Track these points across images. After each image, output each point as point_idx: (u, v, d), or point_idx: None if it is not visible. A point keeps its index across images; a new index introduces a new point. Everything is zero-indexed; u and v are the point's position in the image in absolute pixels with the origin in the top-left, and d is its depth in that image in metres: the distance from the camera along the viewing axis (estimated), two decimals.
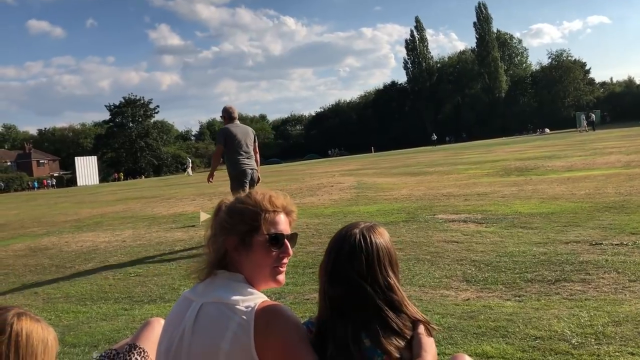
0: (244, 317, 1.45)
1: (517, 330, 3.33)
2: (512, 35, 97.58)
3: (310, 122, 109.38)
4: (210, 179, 7.79)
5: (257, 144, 7.48)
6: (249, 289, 1.55)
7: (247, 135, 7.34)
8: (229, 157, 7.26)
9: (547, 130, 65.17)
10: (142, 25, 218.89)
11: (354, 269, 1.53)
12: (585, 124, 48.91)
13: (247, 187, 7.04)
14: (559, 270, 4.52)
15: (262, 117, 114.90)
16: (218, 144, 7.40)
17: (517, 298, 3.98)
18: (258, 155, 7.50)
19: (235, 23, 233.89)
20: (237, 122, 7.49)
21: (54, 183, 71.74)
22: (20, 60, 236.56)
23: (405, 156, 34.56)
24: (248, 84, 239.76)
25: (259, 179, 7.45)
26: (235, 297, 1.50)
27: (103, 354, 2.47)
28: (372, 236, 1.59)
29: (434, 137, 66.09)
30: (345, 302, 1.53)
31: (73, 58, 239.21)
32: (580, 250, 5.10)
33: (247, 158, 7.27)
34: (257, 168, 7.41)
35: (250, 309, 1.46)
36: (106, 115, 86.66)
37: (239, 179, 7.15)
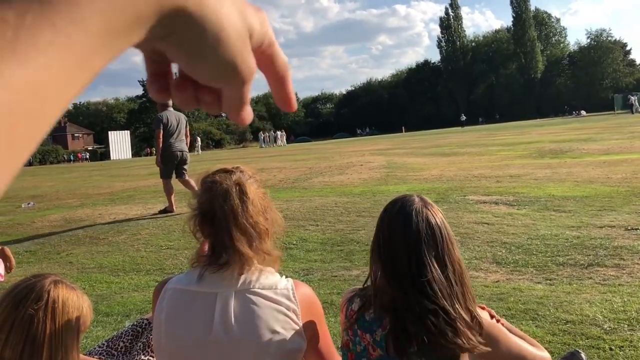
0: (289, 301, 1.53)
1: (548, 313, 3.29)
2: (550, 14, 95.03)
3: (340, 101, 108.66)
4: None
5: (187, 129, 8.47)
6: (269, 269, 1.57)
7: (180, 121, 8.26)
8: (164, 140, 8.10)
9: (584, 112, 63.50)
10: None
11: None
12: (637, 106, 46.50)
13: (174, 167, 8.25)
14: (592, 255, 4.43)
15: None
16: (157, 129, 8.11)
17: (548, 281, 3.93)
18: (188, 139, 8.52)
19: None
20: (171, 108, 8.29)
21: (88, 157, 73.17)
22: None
23: (437, 136, 34.16)
24: None
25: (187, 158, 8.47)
26: (266, 281, 1.53)
27: (135, 323, 2.53)
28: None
29: (463, 117, 65.20)
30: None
31: None
32: (615, 235, 4.99)
33: (179, 141, 8.26)
34: (186, 150, 8.41)
35: (289, 291, 1.54)
36: (139, 91, 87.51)
37: (169, 160, 8.16)
